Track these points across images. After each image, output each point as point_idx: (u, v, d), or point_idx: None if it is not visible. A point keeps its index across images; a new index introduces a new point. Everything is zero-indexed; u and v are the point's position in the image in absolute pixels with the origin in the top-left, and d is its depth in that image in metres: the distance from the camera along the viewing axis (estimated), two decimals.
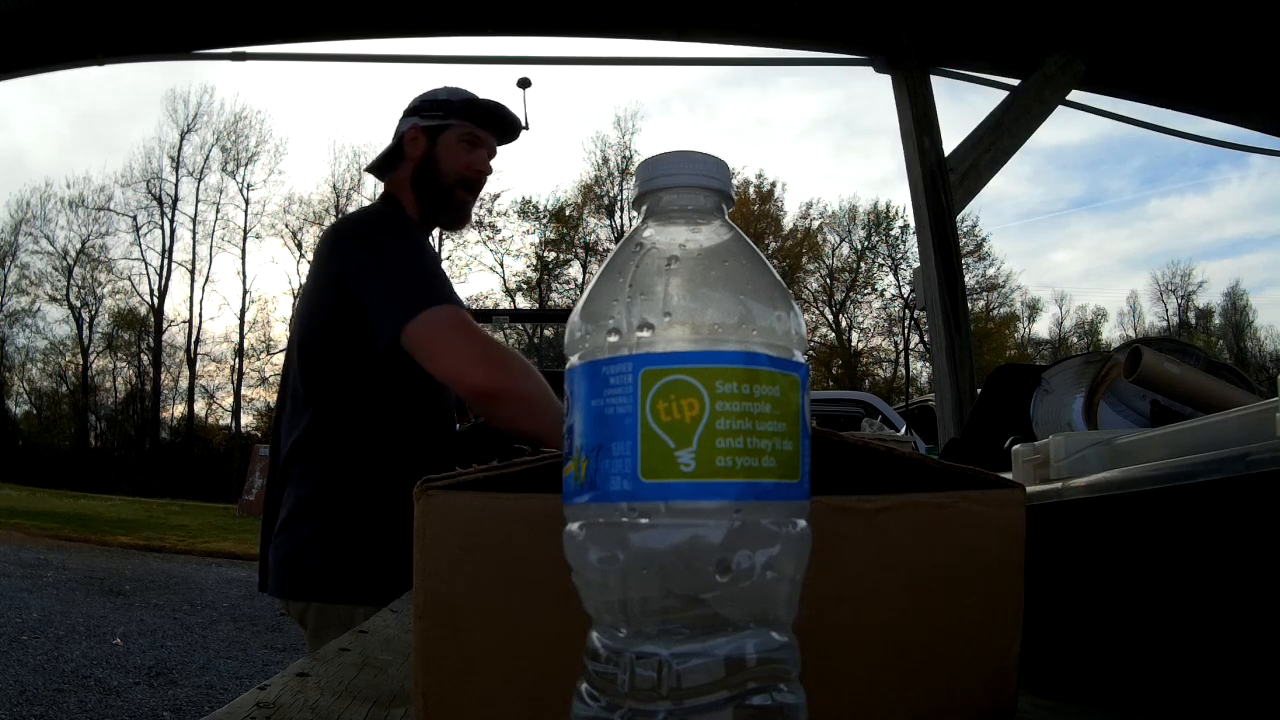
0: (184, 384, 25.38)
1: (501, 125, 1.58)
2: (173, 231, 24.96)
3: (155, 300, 25.02)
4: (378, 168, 1.60)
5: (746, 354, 0.32)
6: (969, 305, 4.29)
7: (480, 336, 1.35)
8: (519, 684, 0.44)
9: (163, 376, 25.36)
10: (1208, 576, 0.55)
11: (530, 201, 25.98)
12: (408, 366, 1.35)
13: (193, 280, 25.10)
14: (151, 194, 24.85)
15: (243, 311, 25.08)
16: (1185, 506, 0.55)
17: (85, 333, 25.08)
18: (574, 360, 0.35)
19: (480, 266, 25.99)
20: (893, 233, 26.01)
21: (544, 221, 26.00)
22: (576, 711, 0.34)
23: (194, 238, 25.08)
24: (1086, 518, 0.64)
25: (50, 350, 25.31)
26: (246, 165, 25.32)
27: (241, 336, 25.22)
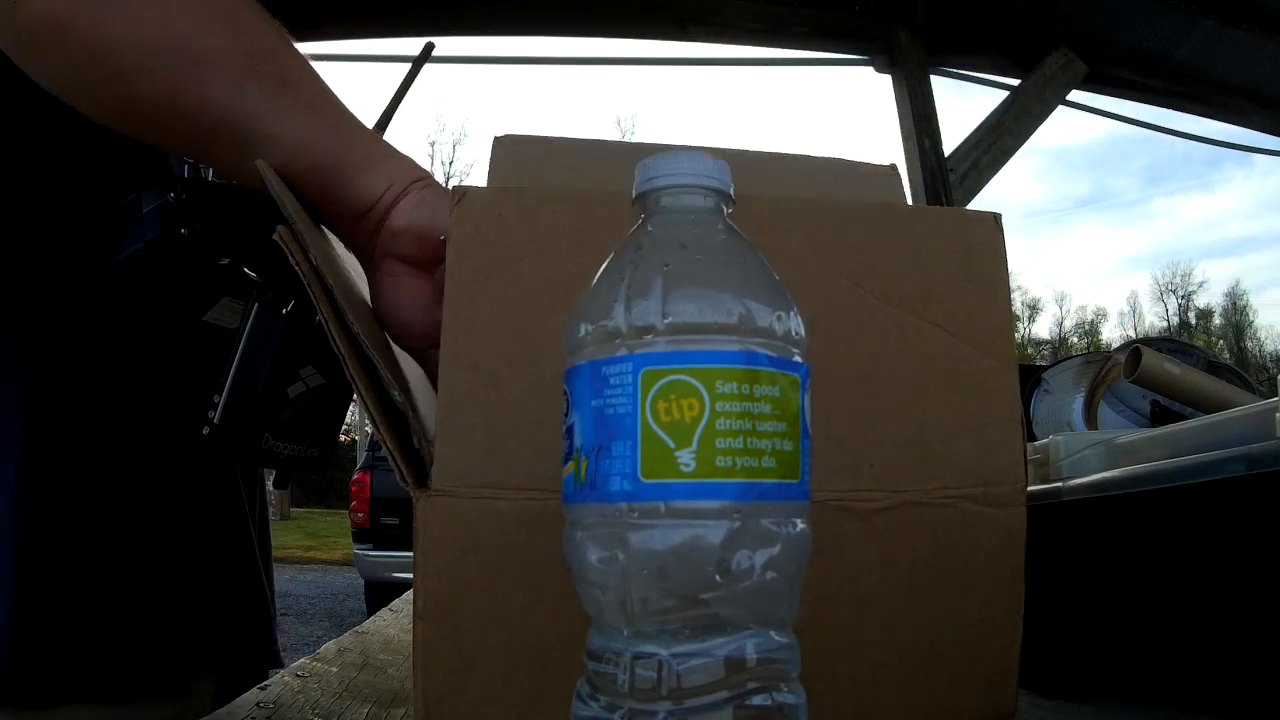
0: None
1: None
2: None
3: None
4: None
5: (746, 354, 0.32)
6: None
7: None
8: (519, 684, 0.44)
9: None
10: (1208, 576, 0.55)
11: None
12: None
13: None
14: None
15: None
16: (1185, 506, 0.55)
17: None
18: (574, 360, 0.35)
19: None
20: None
21: None
22: (576, 711, 0.34)
23: None
24: (1086, 518, 0.64)
25: None
26: None
27: None
